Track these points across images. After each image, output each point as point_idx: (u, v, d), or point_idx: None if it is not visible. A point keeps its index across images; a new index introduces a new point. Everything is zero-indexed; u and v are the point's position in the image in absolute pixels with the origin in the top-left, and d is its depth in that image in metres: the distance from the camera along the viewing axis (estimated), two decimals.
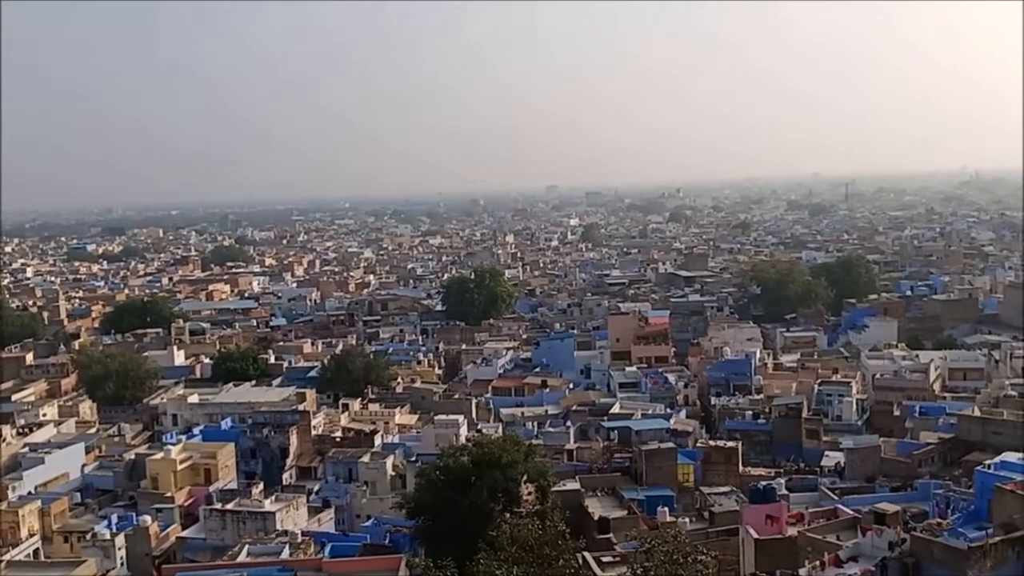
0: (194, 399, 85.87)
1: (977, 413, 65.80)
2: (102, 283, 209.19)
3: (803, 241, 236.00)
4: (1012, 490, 42.10)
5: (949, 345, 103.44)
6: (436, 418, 76.17)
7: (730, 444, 67.14)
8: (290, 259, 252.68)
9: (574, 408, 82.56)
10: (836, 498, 53.44)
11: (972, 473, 51.57)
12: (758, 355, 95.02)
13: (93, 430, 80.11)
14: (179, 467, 65.02)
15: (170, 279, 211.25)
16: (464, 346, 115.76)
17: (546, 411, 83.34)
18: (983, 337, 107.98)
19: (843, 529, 44.07)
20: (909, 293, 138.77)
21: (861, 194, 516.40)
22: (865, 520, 41.83)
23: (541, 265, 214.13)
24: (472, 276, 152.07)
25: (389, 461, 67.50)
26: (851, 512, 46.21)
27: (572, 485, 58.91)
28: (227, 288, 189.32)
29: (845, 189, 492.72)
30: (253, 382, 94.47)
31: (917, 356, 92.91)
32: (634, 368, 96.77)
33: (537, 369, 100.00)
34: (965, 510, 46.78)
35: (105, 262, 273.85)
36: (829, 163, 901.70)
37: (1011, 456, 51.74)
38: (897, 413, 76.47)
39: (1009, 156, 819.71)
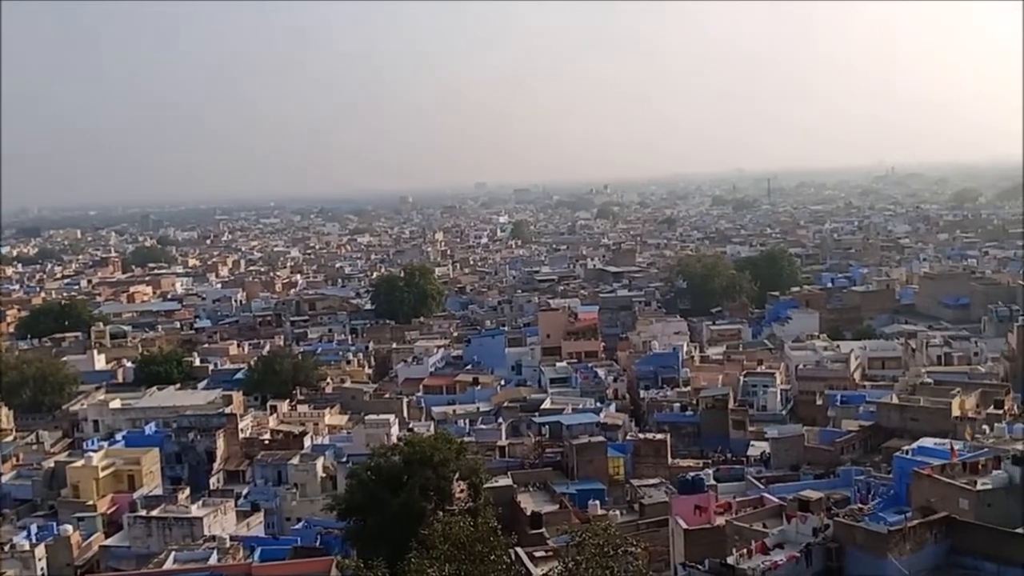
0: (116, 404, 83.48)
1: (895, 401, 67.82)
2: (17, 287, 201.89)
3: (727, 236, 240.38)
4: (929, 474, 43.46)
5: (868, 335, 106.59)
6: (367, 418, 75.52)
7: (659, 436, 68.01)
8: (214, 259, 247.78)
9: (505, 405, 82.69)
10: (762, 487, 54.49)
11: (891, 459, 53.15)
12: (685, 348, 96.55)
13: (10, 438, 77.51)
14: (101, 474, 63.17)
15: (89, 281, 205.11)
16: (394, 345, 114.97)
17: (478, 408, 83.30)
18: (900, 327, 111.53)
19: (769, 517, 44.91)
20: (830, 285, 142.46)
21: (783, 189, 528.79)
22: (790, 507, 42.68)
23: (471, 262, 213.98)
24: (401, 274, 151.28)
25: (319, 462, 66.68)
26: (777, 500, 47.13)
27: (504, 481, 59.05)
28: (149, 290, 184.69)
29: (767, 184, 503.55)
30: (177, 385, 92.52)
31: (838, 346, 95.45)
32: (564, 363, 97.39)
33: (468, 367, 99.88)
34: (885, 495, 48.18)
35: (20, 265, 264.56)
36: (752, 159, 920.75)
37: (928, 441, 53.54)
38: (820, 402, 78.37)
39: (923, 151, 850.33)
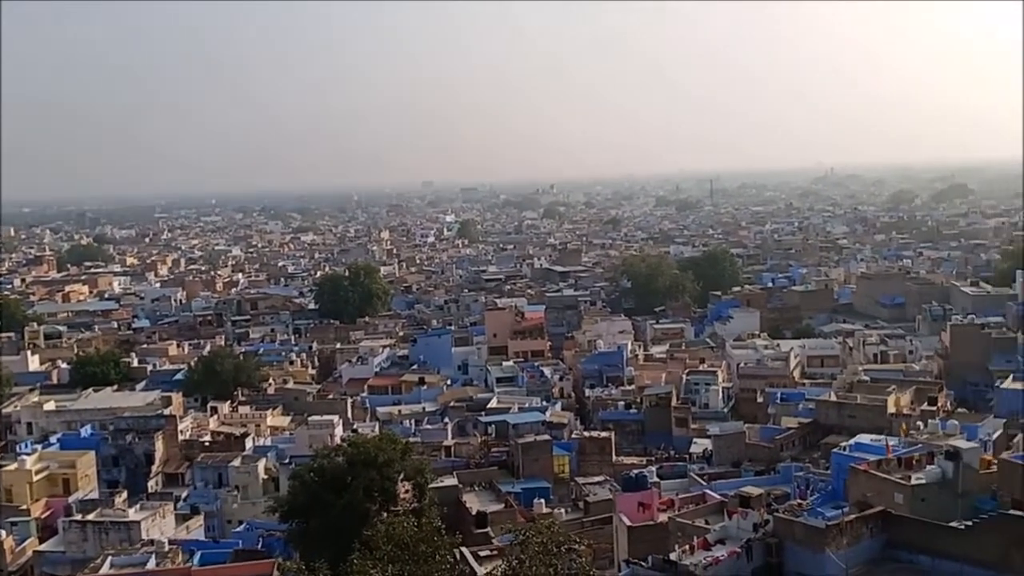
0: (50, 406, 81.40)
1: (833, 398, 69.20)
2: None
3: (671, 236, 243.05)
4: (865, 470, 44.32)
5: (807, 334, 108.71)
6: (310, 419, 74.74)
7: (604, 434, 68.48)
8: (153, 258, 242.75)
9: (452, 404, 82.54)
10: (704, 483, 55.20)
11: (830, 455, 54.15)
12: (629, 347, 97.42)
13: None
14: (35, 478, 61.58)
15: (23, 280, 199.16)
16: (339, 345, 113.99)
17: (423, 408, 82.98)
18: (838, 325, 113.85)
19: (711, 513, 45.50)
20: (770, 285, 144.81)
21: (725, 190, 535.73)
22: (731, 504, 43.27)
23: (417, 262, 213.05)
24: (346, 273, 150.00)
25: (261, 464, 65.83)
26: (718, 496, 47.78)
27: (450, 481, 58.86)
28: (85, 289, 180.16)
29: (710, 185, 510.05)
30: (115, 387, 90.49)
31: (778, 345, 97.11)
32: (511, 363, 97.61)
33: (414, 366, 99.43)
34: (823, 490, 48.99)
35: None
36: (696, 160, 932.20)
37: (864, 438, 54.58)
38: (760, 400, 79.66)
39: (861, 152, 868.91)
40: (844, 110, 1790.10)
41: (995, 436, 55.06)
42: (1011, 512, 36.78)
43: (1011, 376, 76.21)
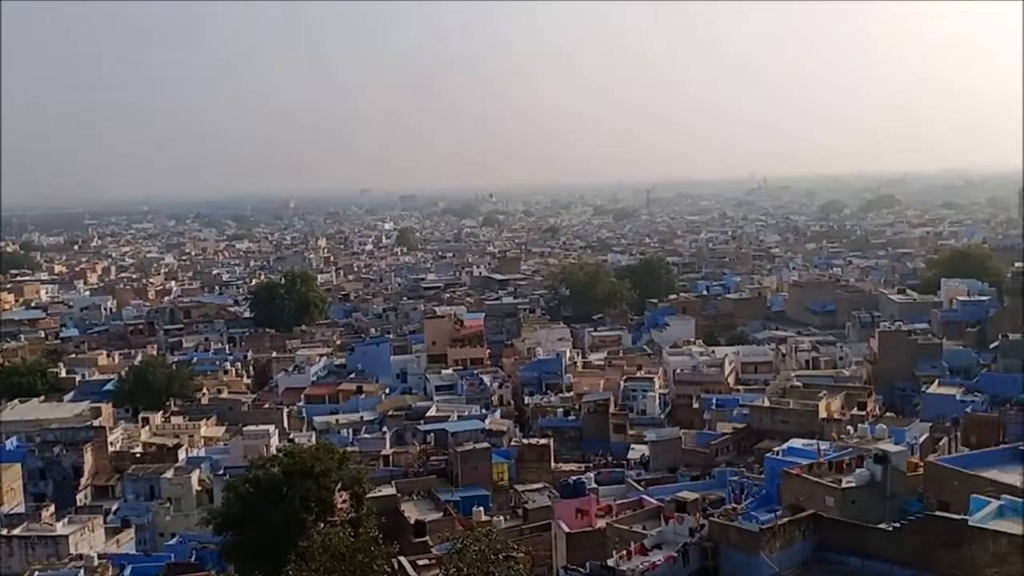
0: None
1: (767, 404, 70.58)
2: None
3: (608, 244, 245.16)
4: (798, 474, 45.22)
5: (741, 340, 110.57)
6: (245, 429, 73.57)
7: (543, 441, 68.59)
8: (82, 266, 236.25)
9: (390, 413, 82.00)
10: (641, 489, 55.67)
11: (763, 460, 55.13)
12: (568, 354, 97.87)
13: None
14: None
15: None
16: (275, 354, 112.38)
17: (361, 417, 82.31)
18: (771, 332, 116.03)
19: (648, 519, 45.93)
20: (705, 293, 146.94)
21: (661, 199, 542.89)
22: (668, 509, 43.76)
23: (355, 269, 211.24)
24: (282, 281, 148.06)
25: (194, 476, 64.56)
26: (655, 502, 48.25)
27: (388, 490, 58.42)
28: (11, 298, 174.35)
29: (647, 195, 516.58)
30: (42, 398, 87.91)
31: (713, 351, 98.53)
32: (450, 371, 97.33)
33: (352, 375, 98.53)
34: (757, 494, 49.78)
35: None
36: (632, 170, 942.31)
37: (797, 442, 55.61)
38: (696, 406, 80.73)
39: (793, 164, 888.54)
40: (776, 123, 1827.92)
41: (922, 439, 56.75)
42: (937, 514, 37.89)
43: (936, 381, 78.71)
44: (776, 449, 54.87)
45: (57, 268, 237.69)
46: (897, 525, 37.62)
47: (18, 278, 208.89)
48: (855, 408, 71.09)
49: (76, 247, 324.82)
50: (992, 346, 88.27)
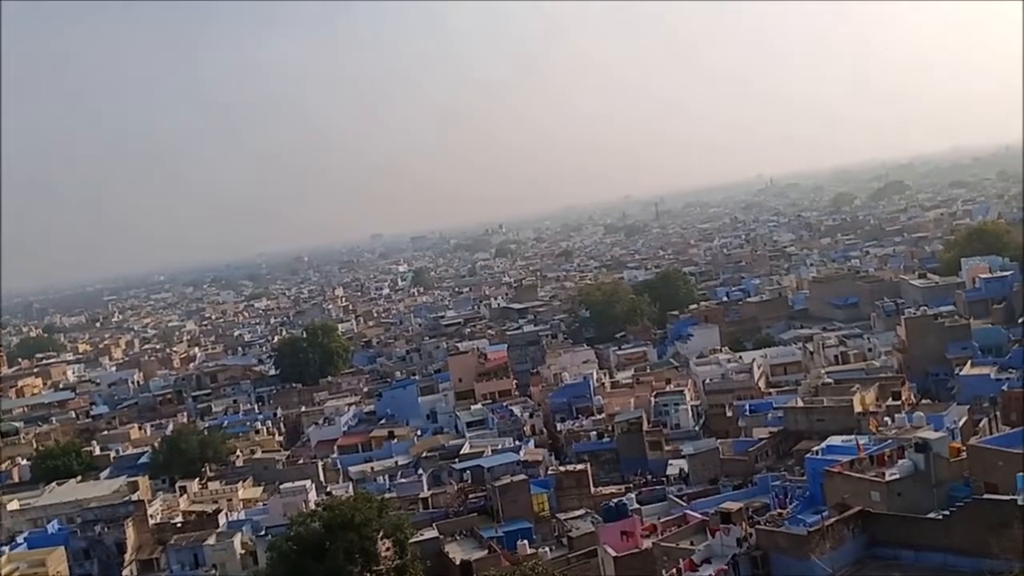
0: (14, 505, 78.87)
1: (800, 404, 69.90)
2: None
3: (623, 261, 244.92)
4: (840, 472, 44.82)
5: (767, 343, 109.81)
6: (282, 487, 73.50)
7: (579, 467, 68.28)
8: (106, 342, 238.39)
9: (424, 455, 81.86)
10: (684, 504, 55.25)
11: (803, 461, 54.62)
12: (595, 376, 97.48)
13: None
14: None
15: None
16: (303, 408, 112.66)
17: (396, 462, 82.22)
18: (796, 332, 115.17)
19: (694, 534, 45.54)
20: (725, 299, 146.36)
21: (671, 211, 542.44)
22: (712, 521, 43.37)
23: (375, 315, 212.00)
24: (304, 335, 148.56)
25: (237, 539, 64.55)
26: (699, 516, 47.85)
27: (430, 533, 58.29)
28: (39, 381, 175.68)
29: (655, 208, 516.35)
30: (79, 478, 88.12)
31: (740, 357, 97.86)
32: (479, 405, 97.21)
33: (382, 421, 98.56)
34: (801, 497, 49.32)
35: None
36: (639, 184, 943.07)
37: (835, 440, 55.21)
38: (729, 414, 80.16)
39: (798, 161, 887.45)
40: (777, 123, 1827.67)
41: (961, 423, 55.99)
42: (985, 497, 37.37)
43: (969, 362, 77.80)
44: (815, 449, 54.44)
45: (81, 347, 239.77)
46: (946, 513, 37.19)
47: (44, 361, 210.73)
48: (890, 399, 70.41)
49: (98, 324, 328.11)
50: (1021, 320, 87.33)
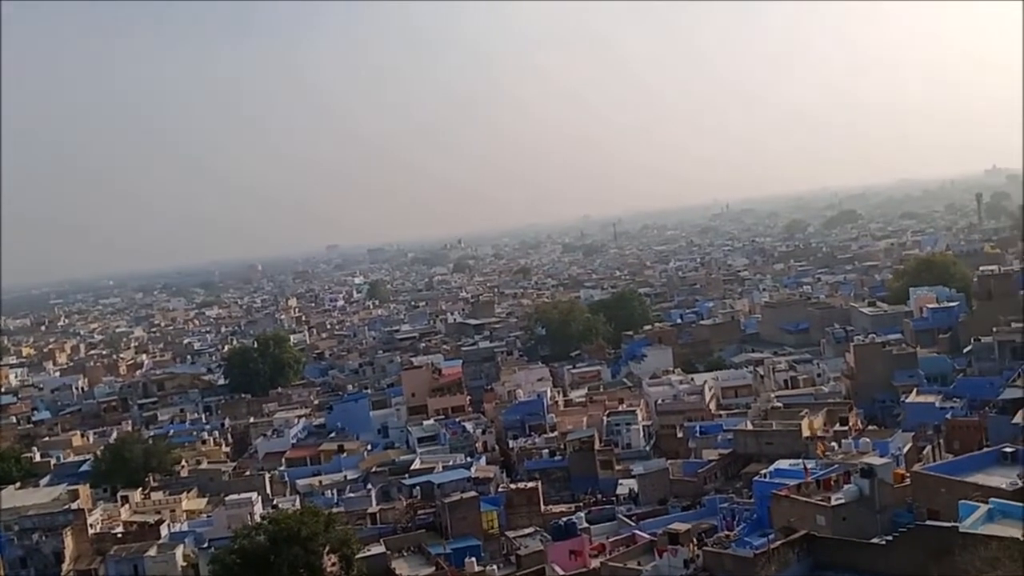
0: None
1: (750, 427, 70.57)
2: None
3: (580, 281, 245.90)
4: (787, 495, 45.27)
5: (719, 366, 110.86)
6: (227, 498, 72.29)
7: (530, 485, 67.98)
8: (50, 346, 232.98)
9: (374, 470, 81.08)
10: (633, 524, 55.37)
11: (751, 483, 55.10)
12: (549, 394, 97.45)
13: None
14: None
15: None
16: (252, 419, 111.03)
17: (345, 477, 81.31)
18: (748, 355, 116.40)
19: (642, 554, 45.64)
20: (679, 321, 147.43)
21: (628, 232, 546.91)
22: (660, 542, 43.50)
23: (328, 327, 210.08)
24: (255, 345, 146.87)
25: (179, 551, 63.25)
26: (648, 536, 47.98)
27: (377, 549, 57.64)
28: None
29: (613, 229, 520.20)
30: (17, 485, 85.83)
31: (692, 379, 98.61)
32: (432, 421, 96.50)
33: (333, 434, 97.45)
34: (749, 519, 49.72)
35: None
36: (597, 206, 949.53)
37: (783, 463, 55.78)
38: (680, 435, 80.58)
39: (752, 187, 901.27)
40: (731, 148, 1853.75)
41: (905, 449, 56.89)
42: (927, 523, 37.94)
43: (914, 390, 79.29)
44: (763, 472, 54.94)
45: (25, 351, 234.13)
46: (889, 538, 37.63)
47: None
48: (837, 424, 71.37)
49: (43, 328, 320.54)
50: (965, 350, 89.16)
